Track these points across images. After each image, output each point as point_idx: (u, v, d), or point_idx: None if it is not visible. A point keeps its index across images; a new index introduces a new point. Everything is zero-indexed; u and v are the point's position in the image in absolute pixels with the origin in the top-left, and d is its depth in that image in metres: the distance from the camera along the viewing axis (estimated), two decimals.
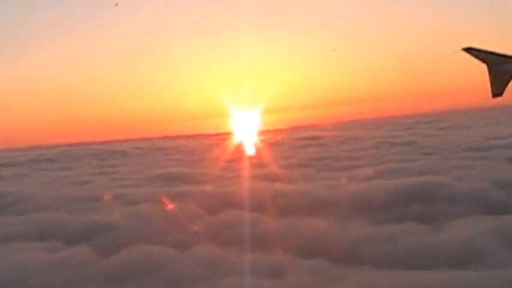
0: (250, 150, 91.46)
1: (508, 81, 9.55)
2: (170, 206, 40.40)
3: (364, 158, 67.90)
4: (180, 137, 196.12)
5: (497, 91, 9.74)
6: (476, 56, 10.58)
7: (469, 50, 10.75)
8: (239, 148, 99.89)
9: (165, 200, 43.58)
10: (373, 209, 35.80)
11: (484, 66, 10.53)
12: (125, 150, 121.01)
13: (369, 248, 27.08)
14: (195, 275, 25.64)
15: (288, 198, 39.65)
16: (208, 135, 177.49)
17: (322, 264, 25.12)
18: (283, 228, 31.43)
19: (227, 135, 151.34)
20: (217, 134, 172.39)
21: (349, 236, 29.35)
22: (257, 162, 70.99)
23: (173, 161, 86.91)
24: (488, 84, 10.07)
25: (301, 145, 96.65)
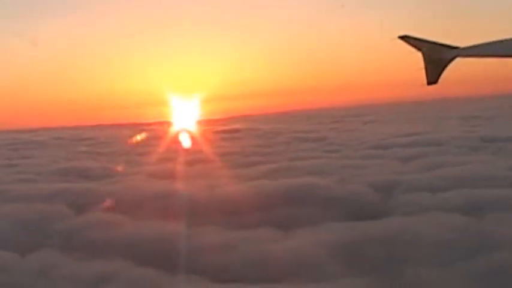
0: (166, 143, 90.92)
1: (443, 69, 10.06)
2: (40, 206, 39.39)
3: (270, 154, 67.68)
4: (115, 125, 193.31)
5: (432, 79, 10.19)
6: (412, 44, 10.87)
7: (405, 38, 11.01)
8: (158, 140, 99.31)
9: (41, 197, 42.74)
10: (238, 213, 35.31)
11: (419, 55, 10.80)
12: (45, 140, 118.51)
13: (209, 257, 26.67)
14: (25, 282, 24.99)
15: (160, 200, 39.08)
16: (142, 125, 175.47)
17: (152, 274, 24.65)
18: (134, 233, 30.93)
19: (160, 125, 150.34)
20: (151, 124, 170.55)
21: (195, 242, 28.83)
22: (164, 156, 70.52)
23: (85, 153, 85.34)
24: (423, 72, 10.48)
25: (219, 138, 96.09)
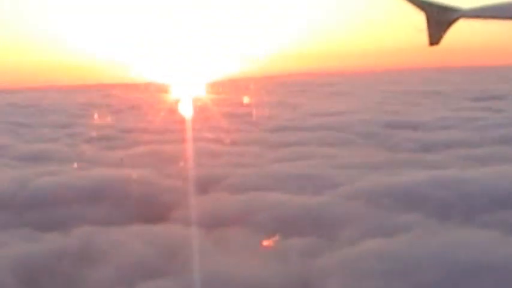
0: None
1: (446, 31, 10.12)
2: None
3: (173, 132, 64.55)
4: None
5: (434, 40, 10.21)
6: (413, 3, 10.55)
7: None
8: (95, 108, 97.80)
9: None
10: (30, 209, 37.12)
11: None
12: None
13: None
14: None
15: None
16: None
17: None
18: None
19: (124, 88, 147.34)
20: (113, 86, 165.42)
21: None
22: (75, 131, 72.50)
23: None
24: (425, 33, 10.39)
25: (156, 109, 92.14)
